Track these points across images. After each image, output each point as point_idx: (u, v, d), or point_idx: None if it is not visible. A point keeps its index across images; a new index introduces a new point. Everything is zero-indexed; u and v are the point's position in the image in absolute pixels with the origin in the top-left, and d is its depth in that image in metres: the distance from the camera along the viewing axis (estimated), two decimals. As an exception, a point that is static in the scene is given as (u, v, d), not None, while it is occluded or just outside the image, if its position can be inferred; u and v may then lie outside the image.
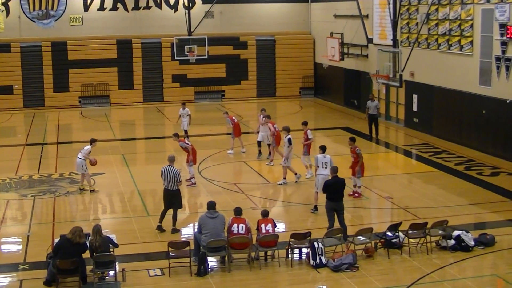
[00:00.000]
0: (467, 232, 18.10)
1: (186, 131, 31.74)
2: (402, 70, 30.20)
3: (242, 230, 16.81)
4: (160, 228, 19.56)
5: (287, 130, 24.79)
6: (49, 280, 15.76)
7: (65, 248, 15.49)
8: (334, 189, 18.37)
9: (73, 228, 15.86)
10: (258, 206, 21.81)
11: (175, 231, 19.50)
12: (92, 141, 24.53)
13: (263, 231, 17.10)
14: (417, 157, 29.50)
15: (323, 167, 20.80)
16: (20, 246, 18.93)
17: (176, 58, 43.04)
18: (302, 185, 24.55)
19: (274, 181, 25.03)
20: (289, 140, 24.39)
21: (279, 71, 47.93)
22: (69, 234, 15.68)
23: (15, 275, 16.82)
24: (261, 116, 28.28)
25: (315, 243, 16.94)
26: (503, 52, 27.37)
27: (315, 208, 21.04)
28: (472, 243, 17.78)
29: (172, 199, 19.65)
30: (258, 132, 28.55)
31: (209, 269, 16.71)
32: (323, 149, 21.34)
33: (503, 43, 27.31)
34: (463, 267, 16.88)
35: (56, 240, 16.52)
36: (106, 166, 27.85)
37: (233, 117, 30.23)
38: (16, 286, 16.16)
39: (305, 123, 26.11)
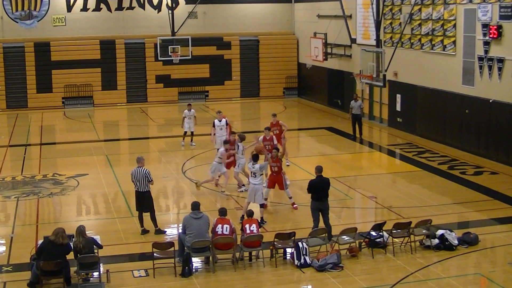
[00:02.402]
0: (451, 231, 18.17)
1: (192, 133, 31.31)
2: (386, 70, 30.27)
3: (226, 230, 16.80)
4: (144, 232, 19.51)
5: (242, 138, 24.21)
6: (33, 282, 15.69)
7: (49, 250, 15.41)
8: (319, 188, 18.36)
9: (55, 229, 15.79)
10: (242, 206, 21.78)
11: (159, 232, 19.46)
12: (225, 142, 23.95)
13: (248, 231, 17.11)
14: (400, 156, 29.58)
15: (251, 176, 20.58)
16: (4, 248, 18.81)
17: (159, 58, 42.91)
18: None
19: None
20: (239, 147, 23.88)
21: (262, 71, 47.96)
22: (52, 235, 15.61)
23: (-2, 277, 16.76)
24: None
25: (300, 243, 16.96)
26: (486, 52, 27.50)
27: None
28: (455, 242, 17.85)
29: (142, 201, 19.53)
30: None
31: (194, 270, 16.69)
32: (254, 158, 20.82)
33: (486, 43, 27.45)
34: (447, 266, 16.95)
35: (40, 241, 16.45)
36: (90, 167, 27.80)
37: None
38: (-1, 288, 16.11)
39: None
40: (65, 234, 15.66)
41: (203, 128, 32.24)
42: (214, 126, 27.63)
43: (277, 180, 21.85)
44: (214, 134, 27.44)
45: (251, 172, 20.52)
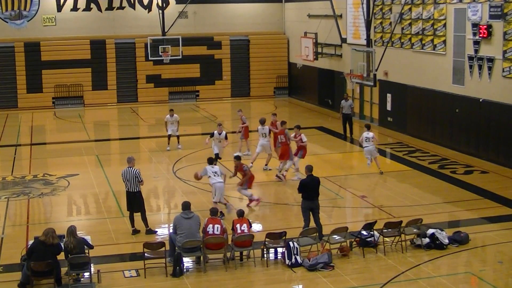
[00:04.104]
0: (441, 230, 18.22)
1: (178, 136, 30.63)
2: (376, 70, 30.31)
3: (217, 230, 16.79)
4: (135, 232, 19.49)
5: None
6: (23, 283, 15.63)
7: (39, 250, 15.38)
8: (310, 188, 18.39)
9: (45, 230, 15.76)
10: (233, 206, 21.78)
11: (150, 232, 19.45)
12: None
13: (238, 231, 17.11)
14: (391, 156, 29.62)
15: (214, 176, 20.67)
16: (-6, 249, 18.80)
17: (150, 58, 42.98)
18: (278, 185, 24.57)
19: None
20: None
21: (253, 71, 47.96)
22: (42, 236, 15.58)
23: (-12, 277, 16.71)
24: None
25: (291, 243, 16.97)
26: (476, 51, 27.57)
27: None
28: (446, 241, 17.89)
29: (133, 201, 19.52)
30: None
31: (185, 270, 16.68)
32: (210, 161, 21.18)
33: (476, 42, 27.52)
34: (437, 265, 16.99)
35: (31, 242, 16.40)
36: (81, 167, 27.74)
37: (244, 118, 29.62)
38: (-10, 289, 16.06)
39: (298, 127, 25.83)
40: (55, 234, 15.64)
41: (194, 128, 32.26)
42: (212, 137, 27.00)
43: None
44: (208, 142, 27.25)
45: (213, 173, 20.72)
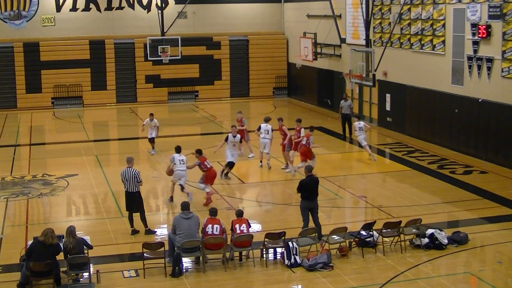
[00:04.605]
0: (441, 230, 18.22)
1: (153, 139, 29.86)
2: (375, 70, 30.33)
3: (216, 230, 16.79)
4: (134, 232, 19.49)
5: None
6: (22, 283, 15.63)
7: (38, 251, 15.37)
8: (309, 188, 18.39)
9: (44, 230, 15.74)
10: (232, 206, 21.80)
11: (149, 232, 19.44)
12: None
13: (238, 231, 17.11)
14: (390, 156, 29.63)
15: (180, 164, 22.26)
16: (-7, 249, 18.80)
17: (149, 58, 42.96)
18: (277, 185, 24.57)
19: (248, 181, 25.00)
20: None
21: (252, 71, 47.96)
22: (41, 236, 15.56)
23: (-12, 278, 16.70)
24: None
25: (290, 243, 16.96)
26: (475, 51, 27.58)
27: (171, 199, 22.55)
28: (445, 241, 17.89)
29: (132, 202, 19.54)
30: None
31: (184, 270, 16.68)
32: (177, 150, 22.65)
33: (475, 43, 27.52)
34: (436, 265, 16.99)
35: (30, 242, 16.40)
36: (80, 168, 27.74)
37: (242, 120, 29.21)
38: (-11, 289, 16.06)
39: (298, 120, 26.82)
40: (54, 234, 15.63)
41: (193, 129, 32.30)
42: (226, 140, 25.56)
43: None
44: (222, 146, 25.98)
45: (179, 160, 22.34)
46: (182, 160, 22.38)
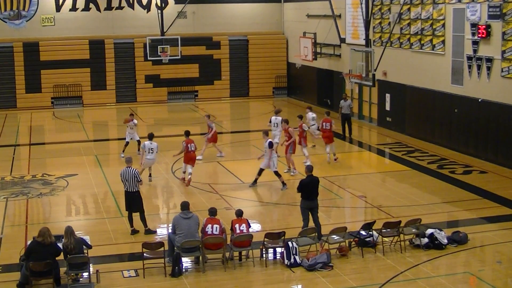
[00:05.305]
0: (440, 230, 18.23)
1: (138, 141, 29.05)
2: (375, 70, 30.33)
3: (216, 230, 16.79)
4: (134, 232, 19.49)
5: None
6: (22, 283, 15.63)
7: (38, 251, 15.36)
8: (310, 188, 18.40)
9: (40, 230, 15.67)
10: (232, 206, 21.80)
11: (149, 232, 19.44)
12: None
13: (237, 231, 17.10)
14: (390, 156, 29.64)
15: (149, 153, 24.24)
16: (-7, 249, 18.79)
17: (149, 58, 42.92)
18: (277, 185, 24.55)
19: (248, 181, 24.99)
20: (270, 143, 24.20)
21: (252, 71, 47.95)
22: (39, 237, 15.51)
23: (-13, 278, 16.70)
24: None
25: (289, 243, 16.96)
26: (475, 51, 27.58)
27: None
28: (445, 241, 17.90)
29: (132, 201, 19.55)
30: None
31: (184, 270, 16.68)
32: (150, 137, 24.70)
33: (475, 43, 27.53)
34: (436, 265, 16.99)
35: (29, 242, 16.40)
36: (79, 168, 27.74)
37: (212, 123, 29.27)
38: (-12, 289, 16.05)
39: (300, 117, 27.40)
40: (50, 233, 15.60)
41: (192, 129, 32.11)
42: (270, 122, 28.57)
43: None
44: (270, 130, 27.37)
45: (149, 149, 24.22)
46: (152, 148, 24.28)
